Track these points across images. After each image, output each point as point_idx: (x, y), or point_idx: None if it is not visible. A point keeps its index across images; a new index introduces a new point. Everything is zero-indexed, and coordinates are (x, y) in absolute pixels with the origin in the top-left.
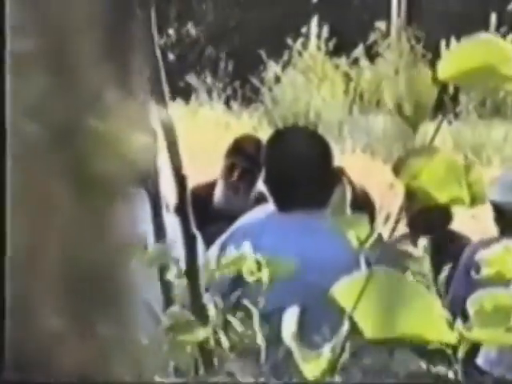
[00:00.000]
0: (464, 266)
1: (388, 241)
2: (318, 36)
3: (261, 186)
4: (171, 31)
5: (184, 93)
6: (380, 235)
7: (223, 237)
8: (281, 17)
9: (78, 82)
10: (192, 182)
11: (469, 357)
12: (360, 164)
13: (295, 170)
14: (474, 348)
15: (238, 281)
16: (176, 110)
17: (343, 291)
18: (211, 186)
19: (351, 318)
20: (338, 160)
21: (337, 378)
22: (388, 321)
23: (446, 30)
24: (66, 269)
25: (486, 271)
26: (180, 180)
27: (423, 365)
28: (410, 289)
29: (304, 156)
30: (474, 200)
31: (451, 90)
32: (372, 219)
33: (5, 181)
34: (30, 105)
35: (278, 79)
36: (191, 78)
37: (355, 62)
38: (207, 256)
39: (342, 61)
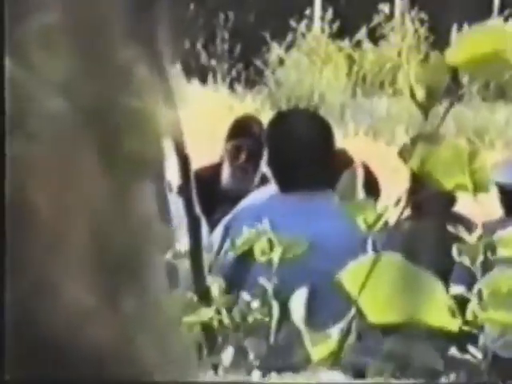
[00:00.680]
0: None
1: (394, 223)
2: (322, 18)
3: (264, 167)
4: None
5: (189, 74)
6: (387, 219)
7: (227, 218)
8: None
9: (108, 59)
10: (195, 165)
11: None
12: (363, 147)
13: (297, 151)
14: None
15: (242, 262)
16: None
17: (349, 276)
18: (215, 168)
19: (357, 303)
20: (341, 143)
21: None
22: (392, 305)
23: (450, 13)
24: (94, 247)
25: (502, 252)
26: (183, 161)
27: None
28: (414, 274)
29: (305, 138)
30: (477, 187)
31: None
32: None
33: (25, 162)
34: (59, 82)
35: (281, 61)
36: (195, 60)
37: (358, 44)
38: (211, 238)
39: (346, 43)
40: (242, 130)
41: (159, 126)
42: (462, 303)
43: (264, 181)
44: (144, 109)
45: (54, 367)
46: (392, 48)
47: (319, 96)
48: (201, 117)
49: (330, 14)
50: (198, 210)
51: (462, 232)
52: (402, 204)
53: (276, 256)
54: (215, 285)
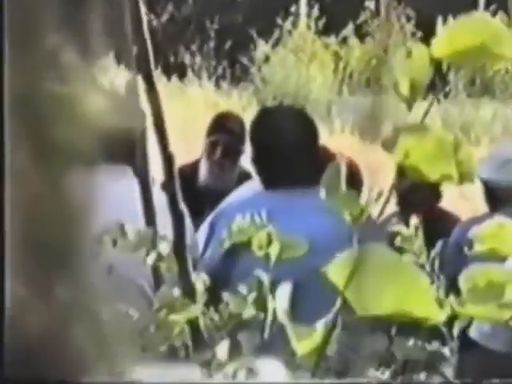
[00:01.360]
0: (455, 243)
1: (378, 219)
2: (308, 15)
3: (248, 165)
4: (162, 10)
5: (174, 71)
6: (370, 213)
7: (211, 216)
8: None
9: (35, 44)
10: (179, 161)
11: (463, 332)
12: (348, 144)
13: (281, 148)
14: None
15: (230, 257)
16: (165, 87)
17: (335, 269)
18: (194, 166)
19: (343, 296)
20: (327, 140)
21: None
22: (378, 298)
23: (437, 9)
24: (25, 236)
25: (479, 247)
26: (167, 157)
27: (419, 343)
28: (400, 266)
29: (289, 134)
30: (463, 178)
31: (444, 68)
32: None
33: None
34: None
35: (267, 59)
36: (181, 57)
37: (344, 41)
38: (196, 235)
39: (332, 40)
40: (219, 125)
41: (87, 112)
42: None
43: (244, 177)
44: (71, 95)
45: None
46: (378, 45)
47: (305, 93)
48: (185, 114)
49: (315, 11)
50: (182, 206)
51: (399, 226)
52: (384, 198)
53: (274, 251)
54: (200, 281)
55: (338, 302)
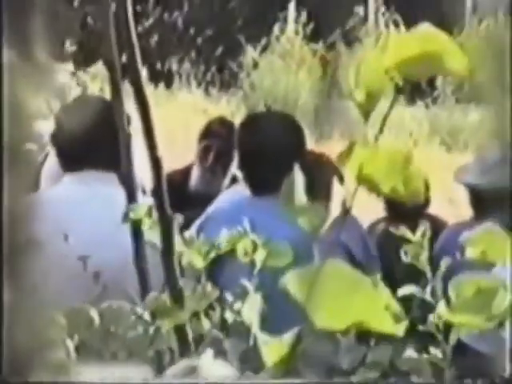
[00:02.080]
0: (441, 248)
1: (368, 225)
2: (296, 20)
3: (235, 171)
4: (150, 17)
5: (163, 78)
6: (336, 221)
7: (199, 221)
8: (259, 1)
9: None
10: (168, 168)
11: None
12: (338, 150)
13: (268, 154)
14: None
15: (216, 264)
16: (154, 94)
17: (294, 281)
18: (186, 171)
19: (303, 308)
20: (315, 146)
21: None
22: (337, 311)
23: (424, 15)
24: None
25: (469, 252)
26: (155, 163)
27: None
28: (358, 281)
29: (276, 140)
30: (410, 193)
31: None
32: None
33: None
34: None
35: (255, 64)
36: (170, 63)
37: (332, 46)
38: (183, 240)
39: (320, 46)
40: (211, 131)
41: (28, 111)
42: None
43: (234, 182)
44: (12, 95)
45: None
46: (366, 50)
47: (294, 98)
48: (174, 120)
49: (303, 16)
50: (169, 212)
51: (405, 231)
52: (346, 205)
53: (259, 258)
54: (188, 287)
55: (301, 315)
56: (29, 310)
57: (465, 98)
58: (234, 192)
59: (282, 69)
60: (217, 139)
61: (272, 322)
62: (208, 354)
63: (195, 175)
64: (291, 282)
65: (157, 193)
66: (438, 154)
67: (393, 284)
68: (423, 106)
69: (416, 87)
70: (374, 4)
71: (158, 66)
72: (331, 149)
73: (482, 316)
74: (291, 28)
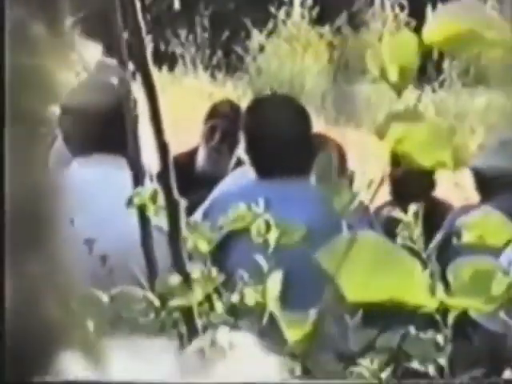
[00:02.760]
0: (446, 232)
1: (371, 207)
2: (302, 4)
3: (242, 155)
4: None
5: (169, 61)
6: (362, 201)
7: (205, 204)
8: None
9: (3, 17)
10: (175, 151)
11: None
12: (344, 134)
13: (274, 137)
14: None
15: (226, 245)
16: (160, 78)
17: (326, 256)
18: (193, 153)
19: (334, 282)
20: (322, 130)
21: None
22: (370, 284)
23: None
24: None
25: (466, 237)
26: (162, 147)
27: (412, 331)
28: (392, 253)
29: (282, 123)
30: (458, 164)
31: (435, 56)
32: (350, 184)
33: None
34: None
35: (262, 48)
36: (176, 47)
37: (339, 30)
38: (190, 223)
39: (326, 29)
40: (217, 111)
41: (55, 84)
42: None
43: (239, 165)
44: (39, 67)
45: None
46: (373, 34)
47: (300, 82)
48: (180, 104)
49: (309, 0)
50: (176, 195)
51: (397, 213)
52: (375, 186)
53: (272, 237)
54: (195, 270)
55: (329, 290)
56: (38, 296)
57: (471, 82)
58: (240, 175)
59: (288, 53)
60: (223, 120)
61: (289, 301)
62: (224, 328)
63: (201, 156)
64: (323, 256)
65: (163, 177)
66: None
67: None
68: (430, 89)
69: (422, 71)
70: None
71: (161, 48)
72: (338, 133)
73: (480, 299)
74: (297, 12)
